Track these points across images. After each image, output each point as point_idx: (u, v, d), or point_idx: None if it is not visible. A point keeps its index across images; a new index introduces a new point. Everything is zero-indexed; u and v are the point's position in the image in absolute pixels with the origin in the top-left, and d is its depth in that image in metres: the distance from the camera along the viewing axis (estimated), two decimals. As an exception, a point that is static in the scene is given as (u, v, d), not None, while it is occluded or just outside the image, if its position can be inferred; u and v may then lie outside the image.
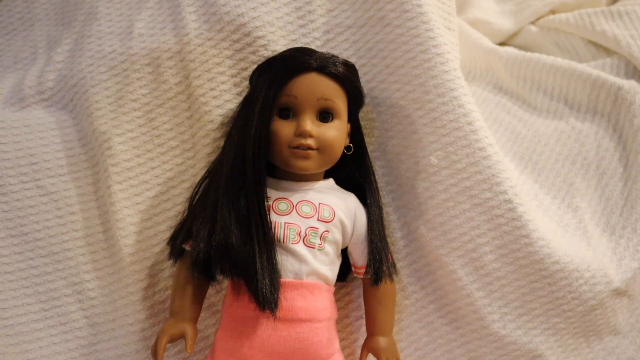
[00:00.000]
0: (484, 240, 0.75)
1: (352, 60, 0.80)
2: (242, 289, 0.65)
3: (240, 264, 0.64)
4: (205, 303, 0.75)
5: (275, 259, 0.65)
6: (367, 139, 0.79)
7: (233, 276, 0.65)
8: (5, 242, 0.77)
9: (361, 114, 0.79)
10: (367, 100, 0.80)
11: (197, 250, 0.65)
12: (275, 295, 0.63)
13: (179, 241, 0.70)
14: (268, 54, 0.78)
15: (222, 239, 0.64)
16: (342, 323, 0.80)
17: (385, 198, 0.81)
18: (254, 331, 0.65)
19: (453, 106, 0.76)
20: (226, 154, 0.69)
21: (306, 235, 0.67)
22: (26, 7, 0.94)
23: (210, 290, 0.77)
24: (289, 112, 0.69)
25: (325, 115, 0.69)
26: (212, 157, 0.76)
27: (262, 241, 0.64)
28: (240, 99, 0.77)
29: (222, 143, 0.76)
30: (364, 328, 0.78)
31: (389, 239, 0.78)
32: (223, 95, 0.78)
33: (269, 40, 0.79)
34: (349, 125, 0.74)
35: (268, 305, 0.62)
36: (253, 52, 0.79)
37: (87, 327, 0.78)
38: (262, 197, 0.66)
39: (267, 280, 0.63)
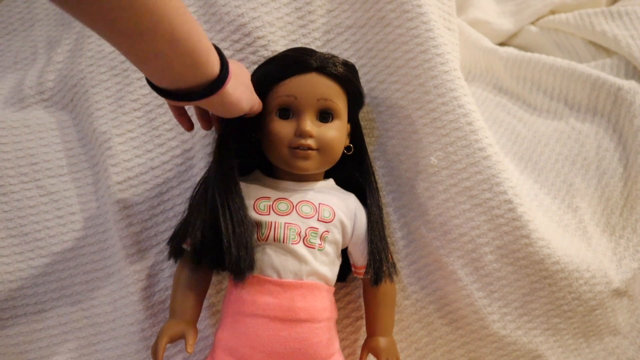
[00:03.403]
0: (484, 241, 0.75)
1: (352, 60, 0.80)
2: (242, 289, 0.65)
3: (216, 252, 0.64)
4: (205, 303, 0.75)
5: (245, 225, 0.64)
6: (367, 139, 0.79)
7: (216, 267, 0.66)
8: (5, 242, 0.77)
9: (361, 114, 0.79)
10: (367, 100, 0.79)
11: (195, 241, 0.65)
12: (248, 255, 0.63)
13: (179, 241, 0.70)
14: (268, 54, 0.78)
15: (209, 233, 0.65)
16: (342, 323, 0.80)
17: (385, 198, 0.81)
18: (254, 331, 0.64)
19: (453, 106, 0.76)
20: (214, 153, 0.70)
21: (306, 235, 0.67)
22: (26, 7, 0.94)
23: (210, 290, 0.77)
24: (289, 112, 0.68)
25: (325, 115, 0.69)
26: (212, 157, 0.76)
27: (237, 226, 0.64)
28: (240, 99, 0.77)
29: (222, 143, 0.76)
30: (364, 328, 0.78)
31: (389, 239, 0.78)
32: (223, 96, 0.78)
33: (269, 40, 0.79)
34: (349, 126, 0.74)
35: (245, 266, 0.63)
36: (253, 52, 0.79)
37: (87, 327, 0.78)
38: (234, 186, 0.66)
39: (234, 249, 0.63)
